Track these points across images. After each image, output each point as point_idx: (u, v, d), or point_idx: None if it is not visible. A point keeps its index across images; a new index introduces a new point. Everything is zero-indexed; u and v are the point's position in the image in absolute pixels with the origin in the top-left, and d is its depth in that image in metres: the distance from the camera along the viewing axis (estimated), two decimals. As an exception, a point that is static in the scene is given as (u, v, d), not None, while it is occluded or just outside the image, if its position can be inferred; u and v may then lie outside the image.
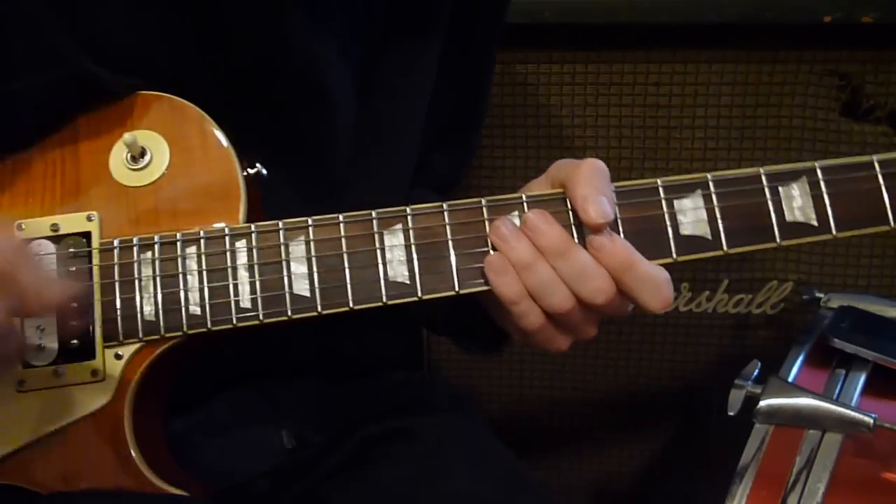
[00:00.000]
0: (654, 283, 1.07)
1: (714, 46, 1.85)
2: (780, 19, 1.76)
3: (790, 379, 1.48)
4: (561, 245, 1.07)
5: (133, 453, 1.09)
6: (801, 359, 1.53)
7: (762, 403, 1.38)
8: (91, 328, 1.10)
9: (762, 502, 1.29)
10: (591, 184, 1.07)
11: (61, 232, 1.11)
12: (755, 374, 1.43)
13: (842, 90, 1.83)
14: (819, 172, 1.10)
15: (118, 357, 1.10)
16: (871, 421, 1.33)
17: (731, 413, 1.42)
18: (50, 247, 1.11)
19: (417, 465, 1.30)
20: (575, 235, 1.09)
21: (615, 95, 1.90)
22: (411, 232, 1.10)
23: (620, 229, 1.09)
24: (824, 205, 1.09)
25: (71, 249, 1.11)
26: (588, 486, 2.20)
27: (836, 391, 1.45)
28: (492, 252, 1.09)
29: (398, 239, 1.10)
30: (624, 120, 1.91)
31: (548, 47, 1.88)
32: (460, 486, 1.26)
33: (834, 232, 1.10)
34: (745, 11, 1.76)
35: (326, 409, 1.41)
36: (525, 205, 1.10)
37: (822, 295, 1.73)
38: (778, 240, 1.10)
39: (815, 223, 1.09)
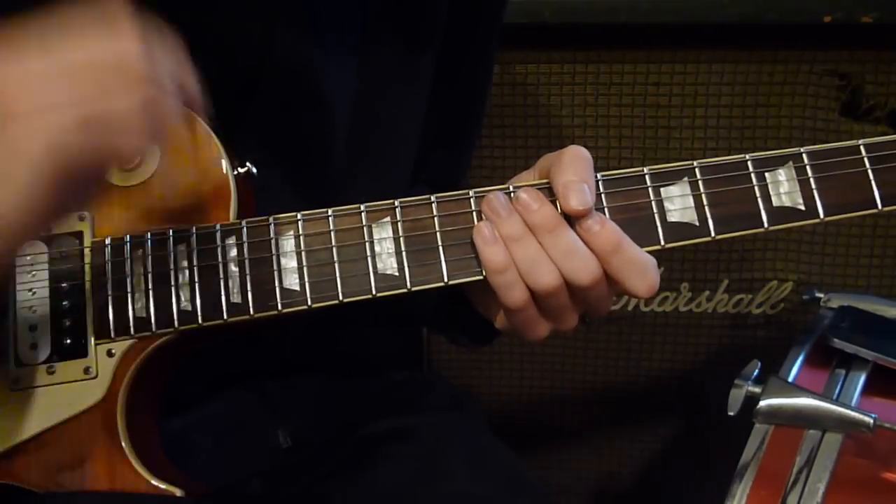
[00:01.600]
0: (641, 266, 1.07)
1: (714, 46, 1.86)
2: (780, 19, 1.76)
3: (790, 379, 1.48)
4: (551, 222, 1.06)
5: (127, 451, 1.09)
6: (801, 359, 1.53)
7: (762, 403, 1.38)
8: (83, 326, 1.10)
9: (762, 502, 1.29)
10: (573, 171, 1.07)
11: (53, 231, 1.11)
12: (755, 374, 1.43)
13: (842, 90, 1.83)
14: (805, 157, 1.10)
15: (110, 354, 1.10)
16: (871, 421, 1.32)
17: (731, 413, 1.42)
18: (42, 246, 1.11)
19: (417, 464, 1.29)
20: None
21: (615, 95, 1.91)
22: (400, 224, 1.10)
23: (608, 217, 1.08)
24: (811, 189, 1.09)
25: (63, 249, 1.11)
26: (588, 486, 2.20)
27: (836, 391, 1.45)
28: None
29: (387, 232, 1.09)
30: (624, 120, 1.91)
31: (548, 47, 1.89)
32: (460, 486, 1.26)
33: (822, 216, 1.09)
34: (746, 11, 1.76)
35: (324, 409, 1.41)
36: (512, 195, 1.09)
37: (822, 295, 1.73)
38: (766, 225, 1.09)
39: (802, 208, 1.09)
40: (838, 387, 1.46)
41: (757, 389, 1.40)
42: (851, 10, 1.73)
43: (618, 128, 1.91)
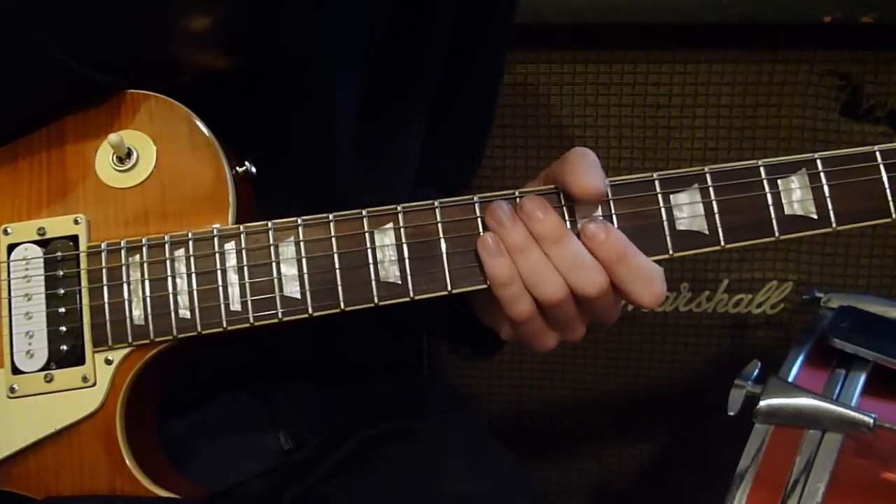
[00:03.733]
0: (646, 276, 1.06)
1: (714, 46, 1.85)
2: (780, 19, 1.76)
3: (790, 379, 1.47)
4: (556, 232, 1.06)
5: (126, 458, 1.09)
6: (801, 359, 1.53)
7: (762, 403, 1.38)
8: (80, 333, 1.10)
9: (762, 502, 1.29)
10: (582, 167, 1.07)
11: (48, 235, 1.11)
12: (755, 374, 1.43)
13: (842, 90, 1.83)
14: (819, 164, 1.08)
15: (108, 362, 1.09)
16: (871, 421, 1.32)
17: (731, 413, 1.41)
18: (37, 251, 1.11)
19: (416, 466, 1.30)
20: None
21: (615, 95, 1.90)
22: (402, 231, 1.09)
23: (615, 225, 1.08)
24: (824, 197, 1.07)
25: (58, 253, 1.11)
26: (588, 487, 2.20)
27: (836, 391, 1.44)
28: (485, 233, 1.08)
29: (389, 238, 1.08)
30: (624, 120, 1.91)
31: (548, 47, 1.88)
32: (459, 488, 1.26)
33: (834, 225, 1.07)
34: (746, 11, 1.76)
35: (324, 411, 1.41)
36: (518, 200, 1.09)
37: (822, 295, 1.73)
38: (777, 234, 1.08)
39: (814, 216, 1.07)
40: (838, 387, 1.46)
41: (757, 389, 1.40)
42: (851, 10, 1.73)
43: (618, 128, 1.91)
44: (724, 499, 1.30)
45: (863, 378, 1.46)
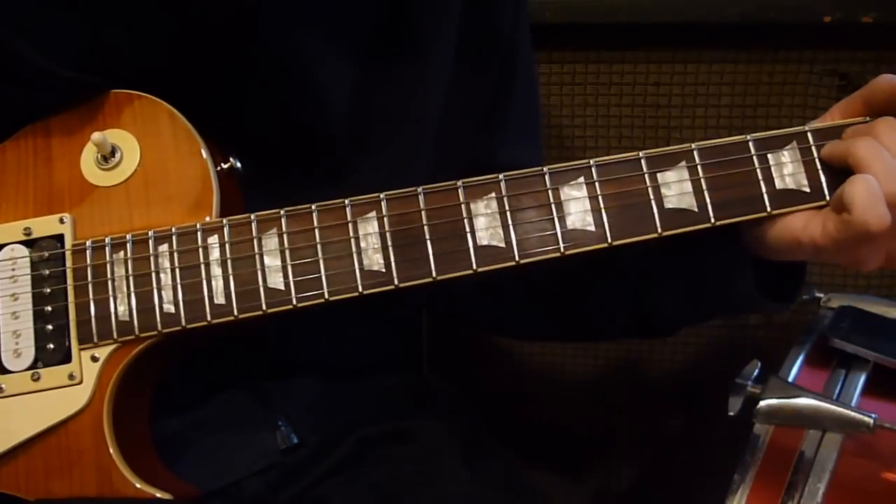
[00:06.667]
0: None
1: (714, 46, 1.85)
2: (781, 19, 1.76)
3: (790, 379, 1.47)
4: None
5: (114, 455, 1.09)
6: (801, 359, 1.52)
7: (762, 403, 1.37)
8: (66, 331, 1.10)
9: (762, 502, 1.28)
10: None
11: (34, 235, 1.12)
12: (755, 374, 1.42)
13: (842, 90, 1.82)
14: (810, 137, 1.07)
15: (94, 359, 1.10)
16: (871, 421, 1.31)
17: (731, 413, 1.41)
18: (23, 251, 1.12)
19: (415, 466, 1.30)
20: (554, 214, 1.07)
21: (615, 95, 1.90)
22: (386, 219, 1.08)
23: (602, 205, 1.07)
24: (816, 170, 1.06)
25: (44, 252, 1.11)
26: (588, 486, 2.19)
27: (836, 391, 1.44)
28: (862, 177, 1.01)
29: (372, 227, 1.08)
30: (624, 120, 1.91)
31: (548, 47, 1.88)
32: (458, 489, 1.26)
33: (828, 198, 1.05)
34: (746, 11, 1.75)
35: (322, 410, 1.40)
36: (502, 184, 1.08)
37: (822, 295, 1.72)
38: (769, 209, 1.06)
39: (807, 189, 1.06)
40: (838, 387, 1.45)
41: (757, 389, 1.39)
42: (851, 10, 1.72)
43: (618, 128, 1.91)
44: (725, 499, 1.30)
45: (863, 378, 1.45)
